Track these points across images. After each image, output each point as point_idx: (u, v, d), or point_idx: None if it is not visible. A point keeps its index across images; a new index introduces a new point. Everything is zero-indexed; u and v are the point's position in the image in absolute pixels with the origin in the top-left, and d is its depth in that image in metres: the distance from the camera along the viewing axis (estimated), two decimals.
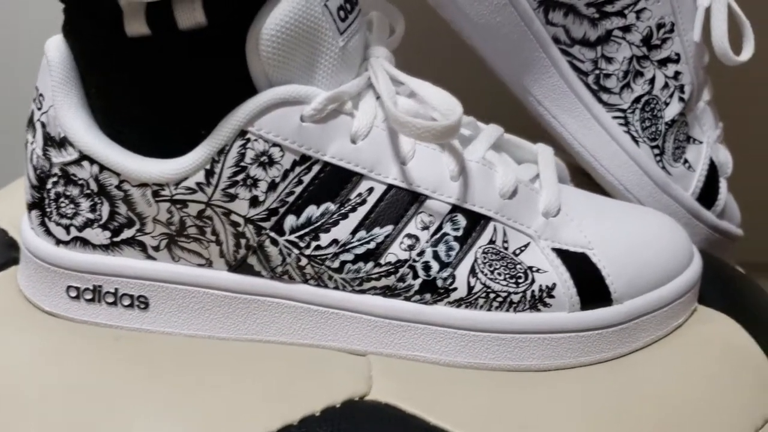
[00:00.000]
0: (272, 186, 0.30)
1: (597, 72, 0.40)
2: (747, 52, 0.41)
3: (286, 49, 0.29)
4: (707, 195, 0.43)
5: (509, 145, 0.36)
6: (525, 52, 0.39)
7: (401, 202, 0.31)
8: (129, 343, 0.32)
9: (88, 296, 0.32)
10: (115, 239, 0.32)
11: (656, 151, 0.41)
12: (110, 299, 0.32)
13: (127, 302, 0.32)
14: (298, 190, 0.30)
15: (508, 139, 0.36)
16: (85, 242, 0.32)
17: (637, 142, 0.41)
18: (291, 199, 0.30)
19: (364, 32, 0.33)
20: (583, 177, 0.41)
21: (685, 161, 0.42)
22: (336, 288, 0.32)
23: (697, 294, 0.35)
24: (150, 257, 0.32)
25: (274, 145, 0.30)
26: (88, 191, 0.31)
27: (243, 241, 0.31)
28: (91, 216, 0.31)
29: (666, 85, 0.41)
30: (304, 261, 0.31)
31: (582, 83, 0.40)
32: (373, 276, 0.31)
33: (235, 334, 0.32)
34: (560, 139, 0.41)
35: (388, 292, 0.31)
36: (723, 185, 0.43)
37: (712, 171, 0.43)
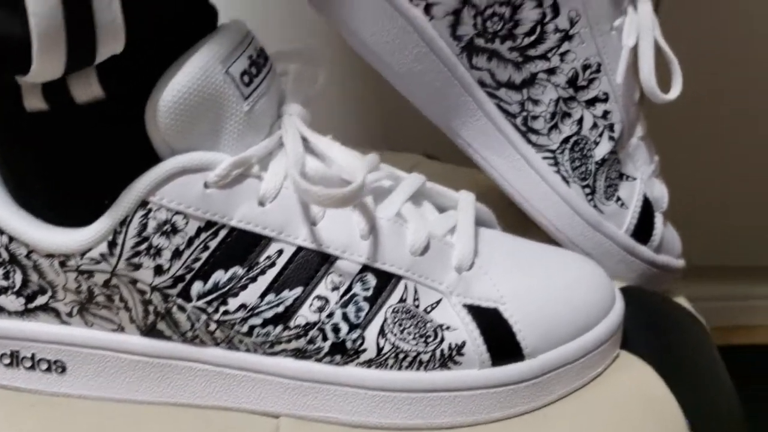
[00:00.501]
0: (177, 254, 0.30)
1: (524, 114, 0.40)
2: (675, 90, 0.41)
3: (187, 118, 0.29)
4: (642, 230, 0.42)
5: (432, 193, 0.36)
6: (450, 97, 0.39)
7: (311, 264, 0.31)
8: (44, 409, 0.32)
9: (6, 361, 0.33)
10: (29, 306, 0.32)
11: (587, 190, 0.41)
12: (28, 364, 0.33)
13: (44, 367, 0.33)
14: (204, 255, 0.30)
15: (431, 187, 0.36)
16: (0, 309, 0.32)
17: (567, 182, 0.41)
18: (197, 265, 0.30)
19: (277, 90, 0.33)
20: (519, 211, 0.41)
21: (618, 199, 0.42)
22: (247, 351, 0.32)
23: (618, 340, 0.36)
24: (64, 322, 0.32)
25: (177, 213, 0.30)
26: (1, 260, 0.31)
27: (151, 308, 0.31)
28: (4, 283, 0.32)
29: (595, 125, 0.41)
30: (213, 326, 0.31)
31: (510, 125, 0.40)
32: (283, 339, 0.31)
33: (150, 397, 0.33)
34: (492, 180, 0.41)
35: (299, 354, 0.32)
36: (659, 219, 0.43)
37: (647, 206, 0.43)
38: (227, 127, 0.31)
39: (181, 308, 0.31)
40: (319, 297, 0.31)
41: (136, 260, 0.30)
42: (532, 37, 0.38)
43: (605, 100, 0.40)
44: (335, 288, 0.31)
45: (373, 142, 0.55)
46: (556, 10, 0.38)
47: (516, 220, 0.41)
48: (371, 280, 0.32)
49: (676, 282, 0.45)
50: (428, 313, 0.32)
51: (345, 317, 0.31)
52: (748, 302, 0.89)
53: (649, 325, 0.37)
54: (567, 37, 0.39)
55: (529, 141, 0.41)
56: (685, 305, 0.43)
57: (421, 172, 0.36)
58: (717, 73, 0.68)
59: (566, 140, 0.40)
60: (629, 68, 0.41)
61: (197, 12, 0.31)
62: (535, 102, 0.40)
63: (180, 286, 0.31)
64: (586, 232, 0.41)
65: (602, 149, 0.41)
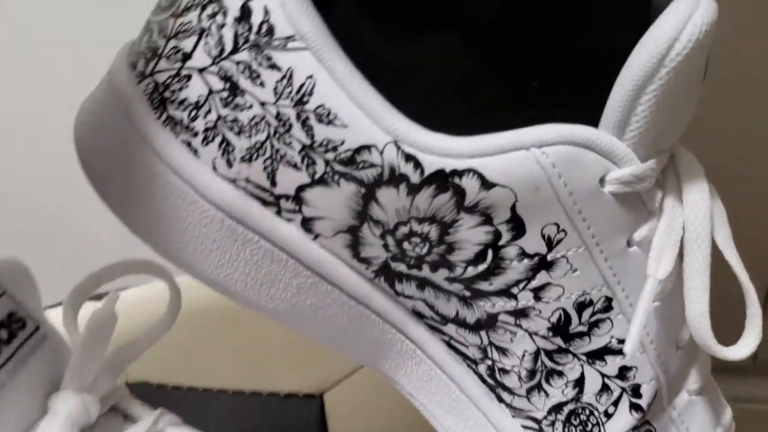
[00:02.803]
0: None
1: (489, 362, 0.25)
2: (749, 342, 0.23)
3: None
4: None
5: None
6: (370, 334, 0.26)
7: None
8: None
9: None
10: None
11: None
12: None
13: None
14: None
15: None
16: None
17: None
18: None
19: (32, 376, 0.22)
20: None
21: None
22: None
23: None
24: None
25: None
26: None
27: None
28: None
29: (605, 389, 0.25)
30: None
31: (471, 373, 0.26)
32: None
33: None
34: None
35: None
36: None
37: None
38: None
39: None
40: None
41: None
42: (481, 267, 0.23)
43: (622, 352, 0.24)
44: None
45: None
46: (518, 228, 0.22)
47: None
48: None
49: None
50: None
51: None
52: None
53: None
54: (543, 264, 0.23)
55: (501, 399, 0.26)
56: None
57: None
58: None
59: (557, 408, 0.25)
60: (666, 300, 0.24)
61: None
62: (502, 351, 0.25)
63: None
64: None
65: (620, 425, 0.25)
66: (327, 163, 0.22)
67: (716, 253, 0.24)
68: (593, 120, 0.22)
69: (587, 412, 0.25)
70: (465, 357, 0.26)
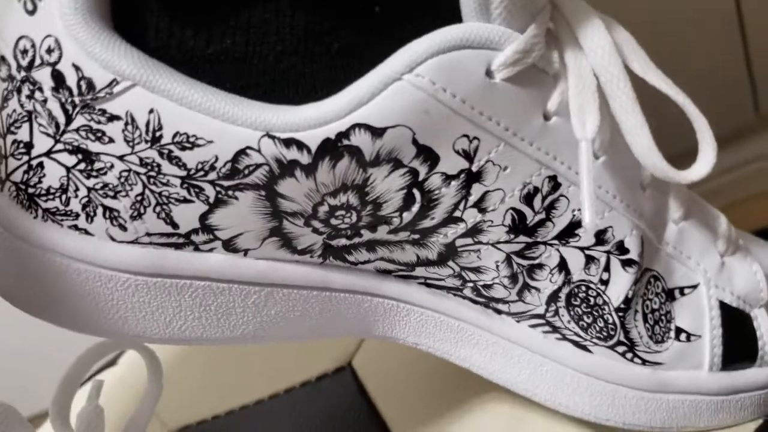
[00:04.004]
0: None
1: (472, 283, 0.24)
2: (706, 159, 0.22)
3: None
4: (737, 353, 0.26)
5: None
6: (347, 311, 0.25)
7: None
8: None
9: None
10: None
11: (621, 348, 0.25)
12: None
13: None
14: None
15: None
16: None
17: (584, 347, 0.25)
18: None
19: None
20: None
21: (678, 332, 0.25)
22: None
23: None
24: None
25: None
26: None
27: None
28: None
29: (590, 260, 0.24)
30: None
31: (460, 300, 0.25)
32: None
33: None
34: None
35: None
36: (762, 319, 0.26)
37: (731, 316, 0.25)
38: None
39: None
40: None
41: None
42: (414, 208, 0.22)
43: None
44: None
45: None
46: (430, 156, 0.21)
47: None
48: None
49: None
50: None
51: None
52: None
53: None
54: (472, 177, 0.22)
55: (500, 311, 0.25)
56: None
57: None
58: None
59: (554, 297, 0.24)
60: (611, 149, 0.23)
61: None
62: (476, 271, 0.24)
63: None
64: (649, 403, 0.25)
65: (620, 285, 0.24)
66: (213, 184, 0.21)
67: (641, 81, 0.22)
68: (456, 15, 0.20)
69: (583, 288, 0.24)
70: (447, 289, 0.25)
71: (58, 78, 0.20)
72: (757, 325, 0.26)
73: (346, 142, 0.20)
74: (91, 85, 0.20)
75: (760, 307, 0.26)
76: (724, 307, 0.25)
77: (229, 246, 0.22)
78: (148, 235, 0.21)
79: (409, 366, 0.34)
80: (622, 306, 0.24)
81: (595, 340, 0.25)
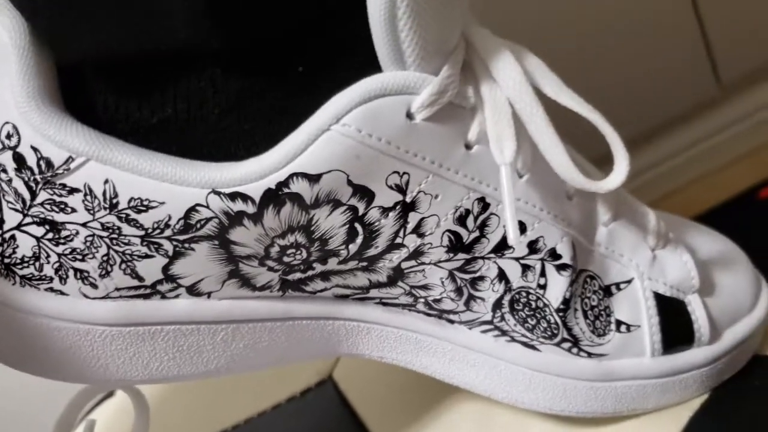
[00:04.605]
0: None
1: (423, 299, 0.27)
2: (620, 169, 0.24)
3: None
4: (676, 336, 0.28)
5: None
6: (312, 336, 0.27)
7: None
8: None
9: None
10: None
11: (566, 344, 0.27)
12: None
13: None
14: None
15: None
16: None
17: (533, 347, 0.27)
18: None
19: None
20: None
21: (618, 324, 0.27)
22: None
23: None
24: None
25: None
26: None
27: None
28: None
29: (526, 268, 0.26)
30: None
31: (414, 314, 0.27)
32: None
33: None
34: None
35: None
36: (695, 303, 0.28)
37: (666, 304, 0.28)
38: None
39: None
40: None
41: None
42: (359, 240, 0.24)
43: (523, 231, 0.25)
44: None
45: None
46: (366, 194, 0.23)
47: None
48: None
49: None
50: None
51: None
52: None
53: None
54: (407, 207, 0.24)
55: (452, 321, 0.27)
56: None
57: None
58: None
59: (498, 305, 0.26)
60: (534, 167, 0.25)
61: None
62: (424, 288, 0.26)
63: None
64: (598, 391, 0.28)
65: (557, 288, 0.26)
66: (170, 239, 0.23)
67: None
68: (375, 64, 0.22)
69: (524, 294, 0.26)
70: (402, 306, 0.27)
71: (20, 160, 0.22)
72: (691, 309, 0.28)
73: (286, 190, 0.22)
74: (49, 164, 0.22)
75: (693, 293, 0.28)
76: (658, 297, 0.28)
77: (193, 291, 0.24)
78: (118, 289, 0.24)
79: (386, 374, 0.36)
80: (562, 306, 0.26)
81: (541, 339, 0.27)
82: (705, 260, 0.29)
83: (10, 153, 0.22)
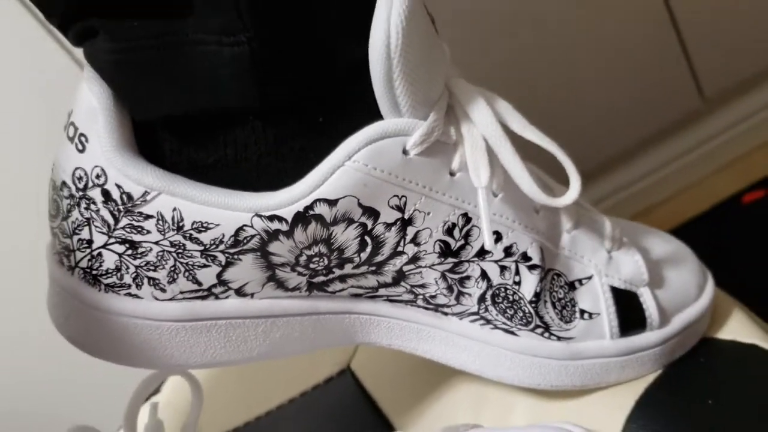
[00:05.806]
0: None
1: (421, 296, 0.33)
2: (574, 188, 0.30)
3: None
4: (631, 321, 0.34)
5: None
6: (333, 328, 0.34)
7: None
8: None
9: None
10: None
11: (539, 330, 0.33)
12: None
13: None
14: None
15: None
16: None
17: (512, 333, 0.33)
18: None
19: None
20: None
21: (582, 313, 0.33)
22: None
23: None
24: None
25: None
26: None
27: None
28: None
29: (504, 268, 0.32)
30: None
31: (416, 309, 0.34)
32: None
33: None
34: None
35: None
36: (646, 295, 0.34)
37: (621, 296, 0.34)
38: None
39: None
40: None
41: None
42: (368, 249, 0.31)
43: (499, 239, 0.32)
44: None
45: None
46: (373, 213, 0.30)
47: None
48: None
49: None
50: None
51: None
52: None
53: None
54: (405, 223, 0.30)
55: (446, 313, 0.34)
56: None
57: None
58: None
59: (482, 298, 0.33)
60: (507, 187, 0.31)
61: None
62: (422, 287, 0.32)
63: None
64: (568, 368, 0.34)
65: (529, 284, 0.33)
66: (223, 252, 0.29)
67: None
68: (378, 113, 0.29)
69: (503, 289, 0.33)
70: (405, 302, 0.33)
71: (106, 194, 0.28)
72: (642, 300, 0.34)
73: (311, 212, 0.29)
74: (129, 197, 0.28)
75: (644, 286, 0.34)
76: (614, 290, 0.34)
77: (240, 292, 0.31)
78: (182, 293, 0.30)
79: (396, 364, 0.42)
80: (534, 299, 0.33)
81: (519, 327, 0.33)
82: (656, 259, 0.36)
83: (99, 189, 0.28)
